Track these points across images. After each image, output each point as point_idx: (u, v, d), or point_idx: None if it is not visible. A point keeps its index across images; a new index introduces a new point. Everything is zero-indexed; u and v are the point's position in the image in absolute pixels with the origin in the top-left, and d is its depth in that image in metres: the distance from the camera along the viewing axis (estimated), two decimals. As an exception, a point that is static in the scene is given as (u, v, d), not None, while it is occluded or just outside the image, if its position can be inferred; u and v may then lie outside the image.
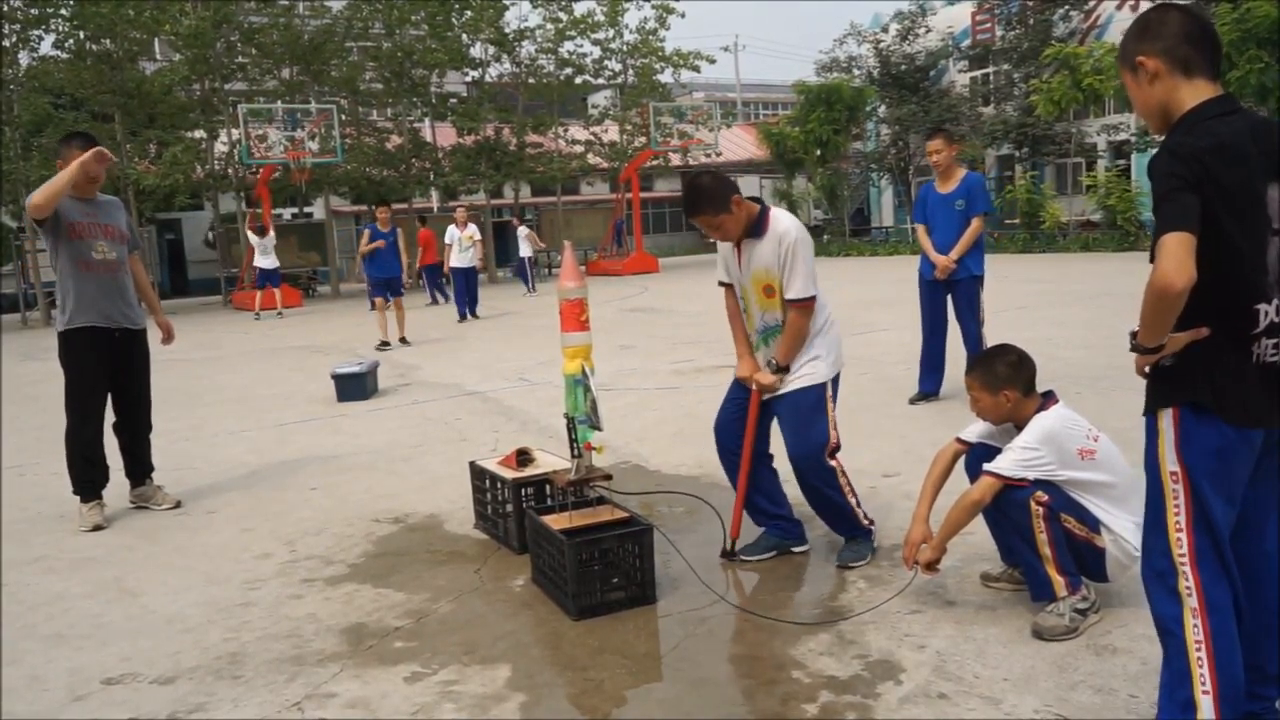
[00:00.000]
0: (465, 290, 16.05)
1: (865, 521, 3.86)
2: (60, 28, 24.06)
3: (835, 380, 3.83)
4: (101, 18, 22.90)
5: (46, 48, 24.95)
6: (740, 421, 3.90)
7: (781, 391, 3.79)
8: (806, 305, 3.70)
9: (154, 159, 25.54)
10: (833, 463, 3.77)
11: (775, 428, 3.91)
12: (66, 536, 4.90)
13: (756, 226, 3.73)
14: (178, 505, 5.36)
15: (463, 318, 15.90)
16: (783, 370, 3.77)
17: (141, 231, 25.39)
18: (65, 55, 24.92)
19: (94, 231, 5.06)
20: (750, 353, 3.93)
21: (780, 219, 3.73)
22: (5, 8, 23.14)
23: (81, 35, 24.11)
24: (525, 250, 22.53)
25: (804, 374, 3.77)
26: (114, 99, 24.29)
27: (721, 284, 4.02)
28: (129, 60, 25.06)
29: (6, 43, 23.59)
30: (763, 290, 3.78)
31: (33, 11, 23.39)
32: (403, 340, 12.39)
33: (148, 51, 27.15)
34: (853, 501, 3.83)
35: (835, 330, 3.89)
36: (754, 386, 3.82)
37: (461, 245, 15.96)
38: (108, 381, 5.18)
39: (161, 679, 3.15)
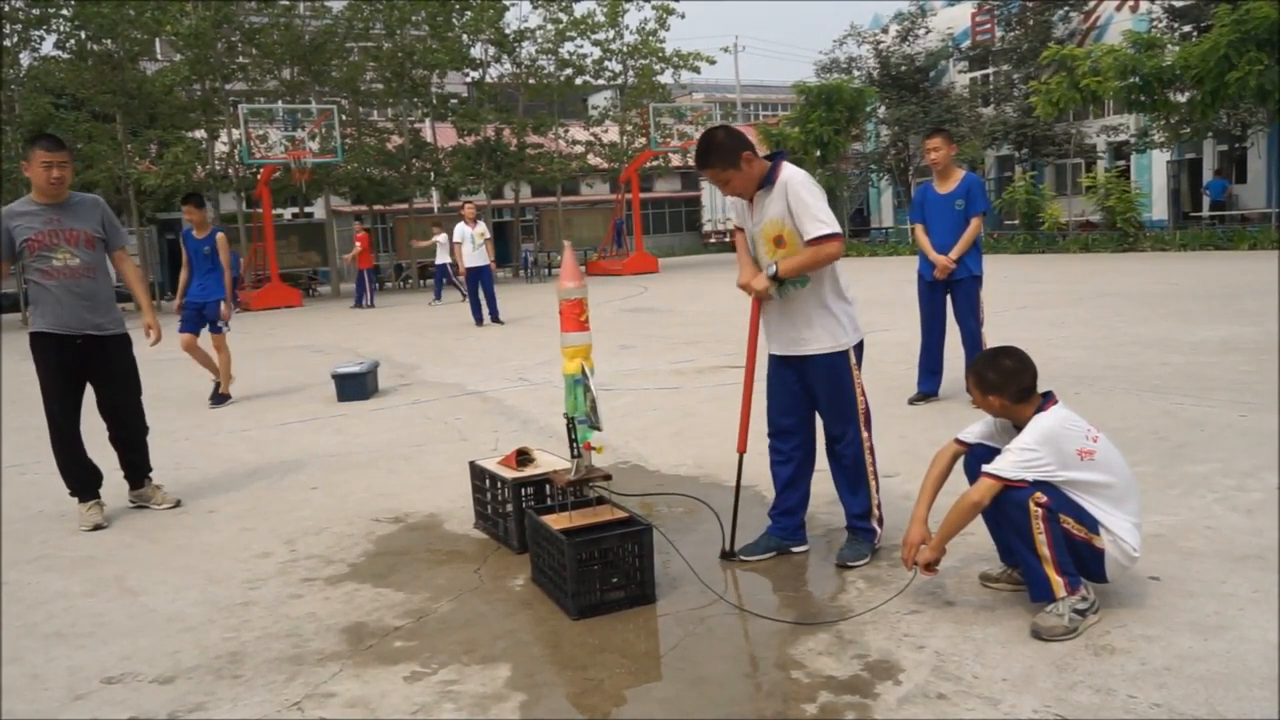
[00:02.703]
0: (481, 291, 14.99)
1: (876, 515, 3.87)
2: (62, 28, 24.11)
3: (859, 347, 3.87)
4: (103, 18, 22.93)
5: (48, 48, 25.07)
6: (784, 413, 3.93)
7: (806, 353, 3.80)
8: (827, 241, 3.61)
9: (155, 159, 25.57)
10: (865, 434, 3.83)
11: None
12: (67, 535, 4.90)
13: (768, 178, 3.72)
14: (177, 504, 5.36)
15: (480, 321, 14.90)
16: (777, 279, 3.71)
17: (142, 231, 25.49)
18: (66, 55, 24.98)
19: (55, 239, 4.94)
20: (752, 262, 3.88)
21: (787, 169, 3.72)
22: (7, 8, 23.16)
23: (83, 35, 24.16)
24: (443, 257, 21.15)
25: (827, 336, 3.78)
26: (115, 99, 24.33)
27: (736, 228, 4.02)
28: (130, 60, 25.10)
29: (8, 43, 23.63)
30: (773, 241, 3.76)
31: (34, 12, 23.43)
32: (222, 396, 8.88)
33: (149, 52, 27.18)
34: (874, 486, 3.87)
35: (847, 298, 3.87)
36: (750, 293, 3.82)
37: (474, 243, 14.76)
38: (76, 386, 5.11)
39: (161, 678, 3.15)
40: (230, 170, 26.35)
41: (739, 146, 3.67)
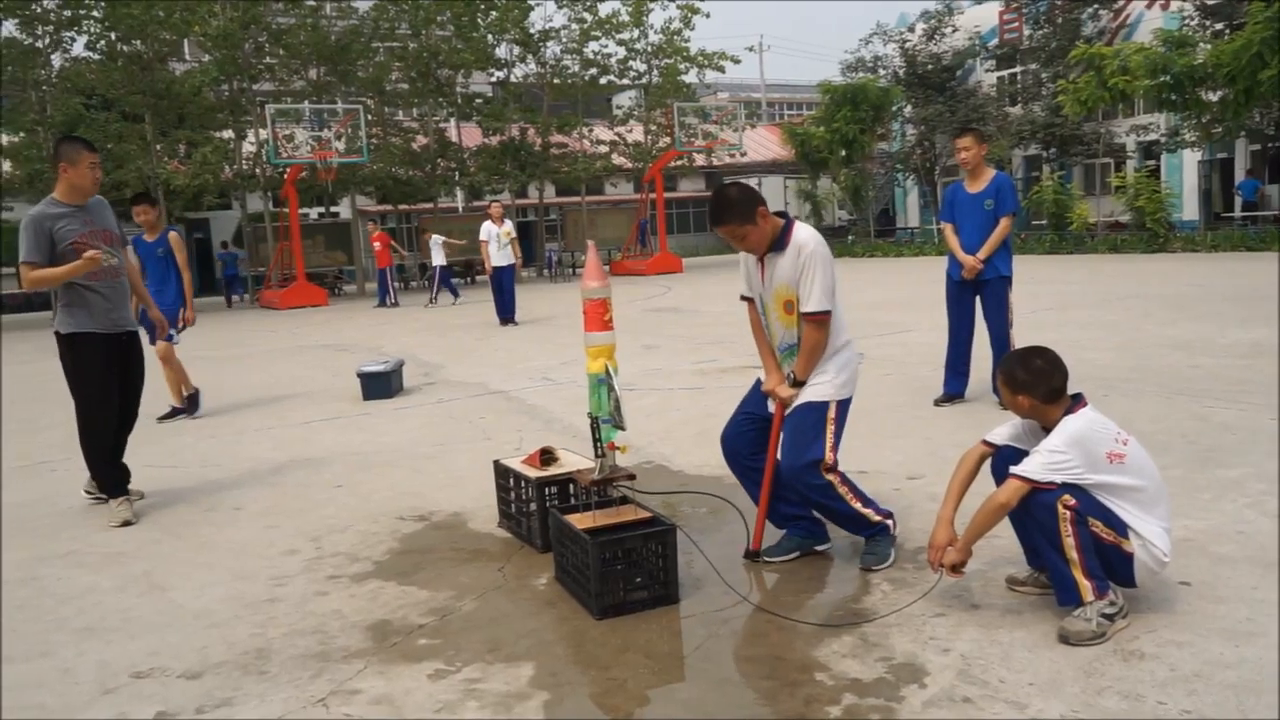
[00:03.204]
0: (505, 291, 14.87)
1: (878, 518, 3.81)
2: (92, 29, 24.42)
3: (844, 404, 3.78)
4: (133, 19, 23.20)
5: (79, 49, 25.37)
6: (748, 434, 3.91)
7: (794, 403, 3.79)
8: (821, 319, 3.67)
9: (183, 159, 25.83)
10: (829, 477, 3.71)
11: None
12: (96, 531, 4.96)
13: (780, 240, 3.72)
14: (141, 496, 5.47)
15: (505, 320, 14.89)
16: (800, 385, 3.77)
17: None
18: (97, 56, 25.30)
19: (95, 240, 5.02)
20: (777, 365, 3.91)
21: (801, 232, 3.72)
22: (39, 9, 23.48)
23: (113, 36, 24.46)
24: (439, 259, 21.44)
25: (810, 389, 3.75)
26: (144, 99, 24.60)
27: (744, 298, 4.00)
28: (159, 61, 25.39)
29: (40, 44, 23.95)
30: (783, 306, 3.78)
31: (66, 13, 23.73)
32: (174, 410, 8.19)
33: (177, 52, 27.51)
34: (858, 506, 3.77)
35: (852, 354, 3.85)
36: (776, 399, 3.82)
37: (500, 242, 14.59)
38: (117, 385, 5.22)
39: (189, 673, 3.18)
40: (257, 170, 26.58)
41: (754, 203, 3.67)
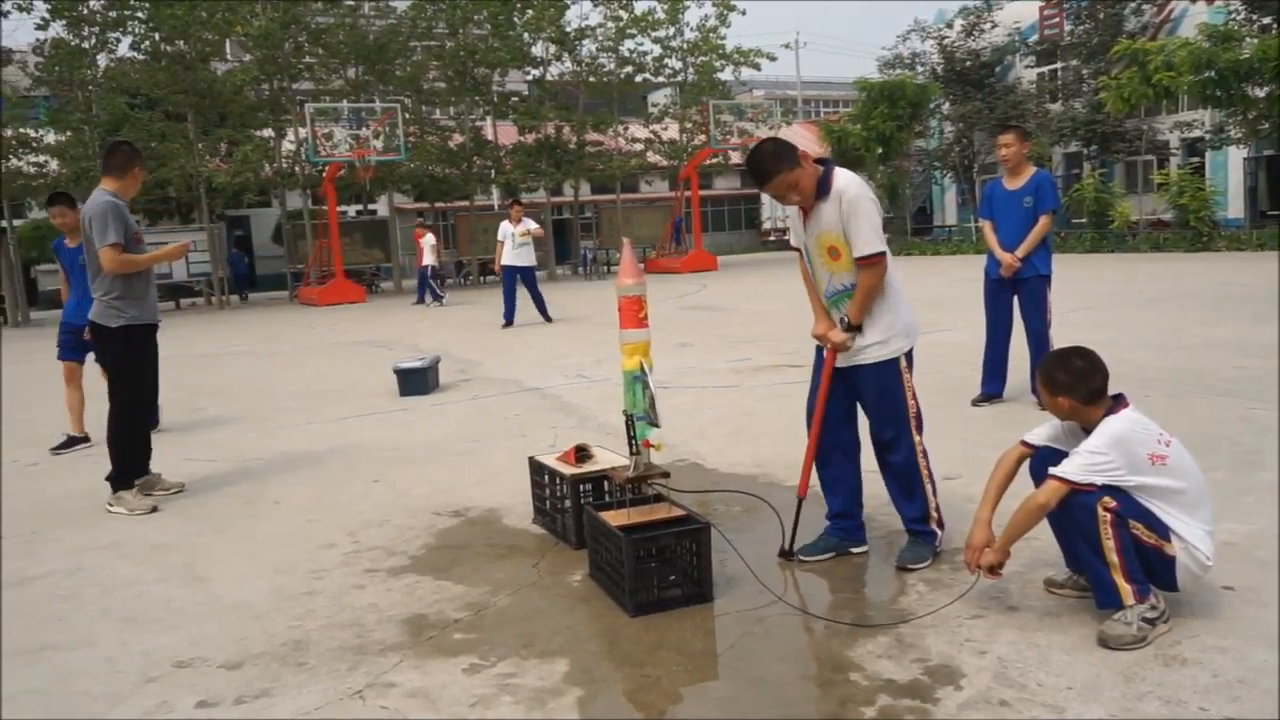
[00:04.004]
0: (515, 292, 14.42)
1: (935, 518, 3.81)
2: (137, 30, 24.81)
3: (910, 354, 3.82)
4: (176, 19, 23.56)
5: (124, 49, 25.79)
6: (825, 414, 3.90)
7: (858, 362, 3.77)
8: (875, 261, 3.63)
9: (225, 157, 26.18)
10: (917, 437, 3.78)
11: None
12: (138, 523, 5.05)
13: (822, 187, 3.69)
14: (181, 489, 5.64)
15: (508, 323, 14.36)
16: (854, 329, 3.72)
17: (212, 228, 26.18)
18: (141, 56, 25.70)
19: (141, 236, 5.42)
20: (825, 312, 3.89)
21: (841, 176, 3.69)
22: (86, 11, 23.90)
23: (157, 37, 24.86)
24: (429, 259, 21.54)
25: (876, 346, 3.74)
26: (187, 99, 24.97)
27: (793, 248, 4.00)
28: (201, 61, 25.75)
29: (87, 45, 24.38)
30: (827, 252, 3.74)
31: (111, 14, 24.14)
32: (75, 440, 7.17)
33: (219, 52, 27.86)
34: (929, 489, 3.80)
35: (900, 299, 3.82)
36: (826, 345, 3.82)
37: (515, 242, 14.24)
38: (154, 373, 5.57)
39: (229, 664, 3.23)
40: (296, 168, 26.87)
41: (792, 148, 3.66)
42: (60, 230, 7.16)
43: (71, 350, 7.12)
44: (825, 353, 3.86)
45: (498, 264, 14.61)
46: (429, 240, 21.81)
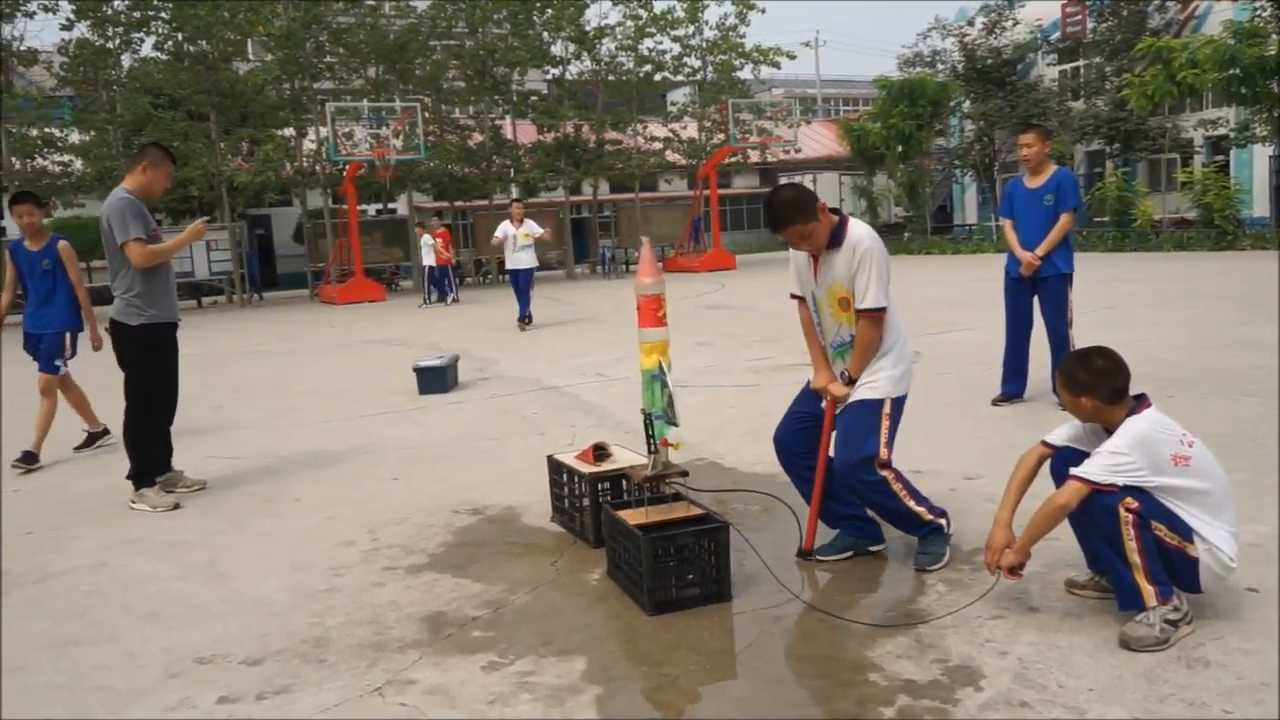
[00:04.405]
0: (521, 294, 14.22)
1: (931, 517, 3.76)
2: (160, 30, 25.01)
3: (899, 401, 3.75)
4: (199, 20, 23.73)
5: (147, 49, 26.01)
6: (802, 433, 3.90)
7: (847, 400, 3.78)
8: (876, 316, 3.67)
9: (246, 157, 26.35)
10: (883, 473, 3.69)
11: None
12: (160, 520, 5.10)
13: (835, 237, 3.70)
14: (203, 486, 5.68)
15: (527, 321, 14.24)
16: (853, 382, 3.76)
17: (233, 227, 26.38)
18: (165, 57, 25.90)
19: (159, 235, 5.39)
20: (827, 364, 3.90)
21: (856, 228, 3.71)
22: (110, 11, 24.12)
23: (180, 37, 25.03)
24: (429, 259, 21.47)
25: (864, 387, 3.74)
26: (209, 98, 25.15)
27: (794, 296, 3.98)
28: (224, 61, 25.92)
29: (111, 45, 24.60)
30: (838, 303, 3.76)
31: (135, 15, 24.35)
32: (95, 435, 7.11)
33: (241, 52, 28.07)
34: (911, 504, 3.73)
35: (906, 351, 3.83)
36: (827, 398, 3.81)
37: (517, 244, 13.98)
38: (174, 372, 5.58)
39: (250, 660, 3.25)
40: (317, 167, 27.00)
41: (812, 199, 3.68)
42: (23, 231, 6.63)
43: (48, 362, 6.67)
44: (825, 404, 3.85)
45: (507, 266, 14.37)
46: (428, 240, 21.90)
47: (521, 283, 14.15)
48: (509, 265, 14.31)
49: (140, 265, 5.16)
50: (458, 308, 20.22)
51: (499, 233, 14.26)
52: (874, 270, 3.63)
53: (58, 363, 6.66)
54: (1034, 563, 3.34)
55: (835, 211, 3.77)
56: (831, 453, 3.81)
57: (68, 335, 6.68)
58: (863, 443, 3.67)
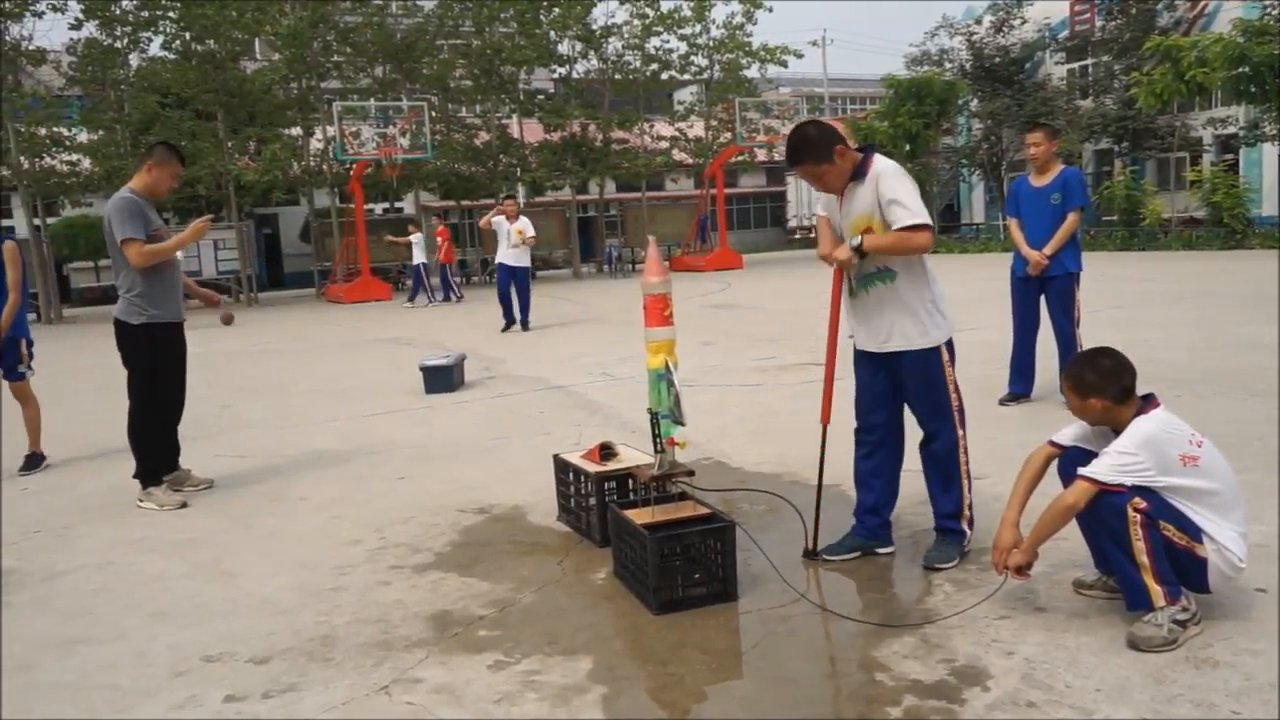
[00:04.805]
0: (511, 291, 13.67)
1: (967, 516, 3.78)
2: (168, 30, 25.08)
3: (950, 345, 3.78)
4: (207, 19, 23.79)
5: (155, 49, 26.09)
6: (872, 409, 3.90)
7: (897, 349, 3.73)
8: (915, 231, 3.52)
9: (253, 156, 26.41)
10: (961, 432, 3.76)
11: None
12: (167, 518, 5.11)
13: (859, 170, 3.66)
14: (211, 485, 5.68)
15: (509, 325, 13.68)
16: (859, 251, 3.63)
17: (240, 226, 26.44)
18: (172, 56, 25.98)
19: (164, 234, 5.40)
20: (833, 236, 3.85)
21: (879, 161, 3.66)
22: (118, 11, 24.20)
23: (187, 36, 25.11)
24: (419, 257, 21.60)
25: (917, 336, 3.71)
26: (217, 98, 25.21)
27: (819, 216, 3.98)
28: (231, 60, 25.99)
29: (119, 44, 24.68)
30: (863, 234, 3.69)
31: (143, 14, 24.42)
32: (37, 456, 6.49)
33: (248, 51, 28.09)
34: (965, 485, 3.78)
35: (941, 297, 3.81)
36: (832, 264, 3.79)
37: (511, 240, 13.40)
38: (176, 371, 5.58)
39: (257, 658, 3.26)
40: (324, 166, 27.05)
41: (831, 140, 3.60)
42: None
43: (12, 370, 6.40)
44: (833, 271, 3.85)
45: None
46: (419, 239, 21.90)
47: (521, 281, 13.64)
48: (502, 259, 13.61)
49: (138, 265, 5.17)
50: (463, 306, 20.24)
51: (492, 223, 13.74)
52: (900, 191, 3.55)
53: (21, 369, 6.42)
54: (1041, 563, 3.33)
55: (864, 149, 3.72)
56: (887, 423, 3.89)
57: (23, 341, 6.41)
58: (942, 399, 3.75)
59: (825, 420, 3.96)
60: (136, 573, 4.24)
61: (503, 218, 13.66)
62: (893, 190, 3.56)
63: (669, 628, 3.32)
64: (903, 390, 3.84)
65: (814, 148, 3.61)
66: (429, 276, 22.00)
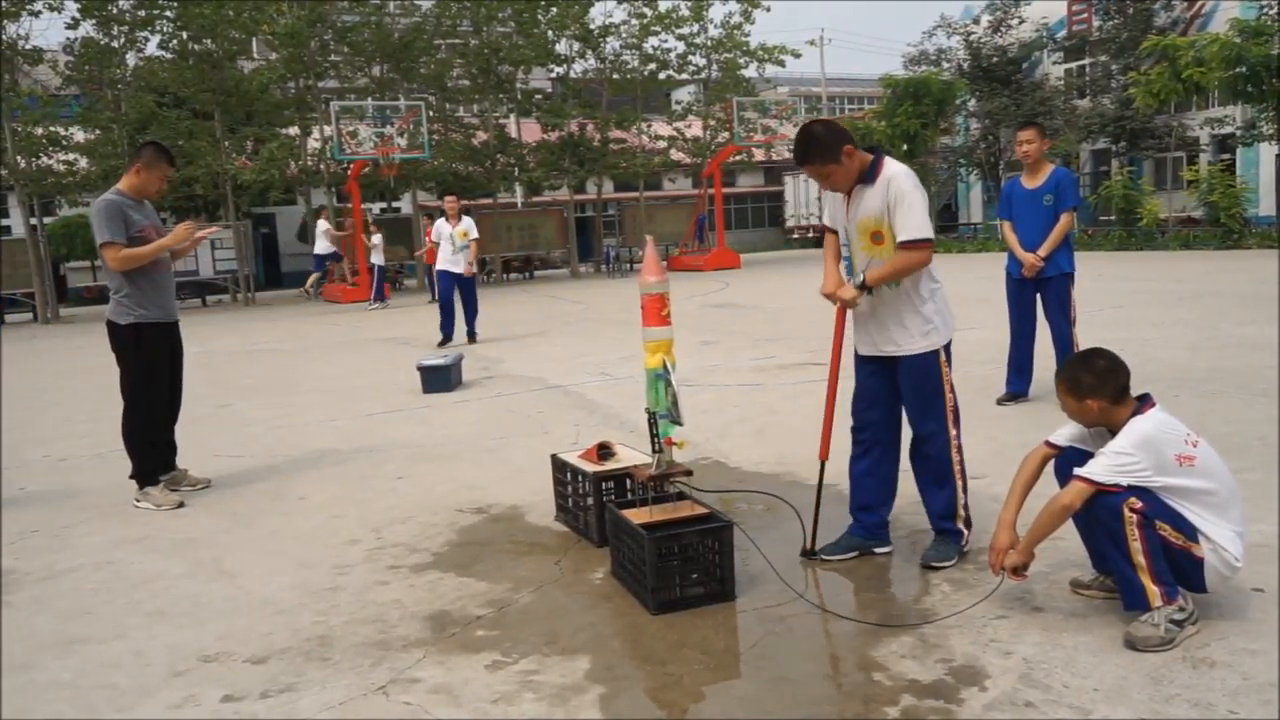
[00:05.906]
0: (454, 301, 12.39)
1: (963, 516, 3.80)
2: (165, 29, 25.03)
3: (948, 346, 3.80)
4: (204, 19, 23.75)
5: (152, 48, 26.03)
6: (869, 408, 3.91)
7: (897, 354, 3.76)
8: (919, 247, 3.60)
9: (251, 155, 26.37)
10: (954, 431, 3.78)
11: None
12: (167, 518, 5.11)
13: (869, 173, 3.67)
14: (208, 485, 5.67)
15: (446, 339, 12.35)
16: (865, 289, 3.69)
17: (238, 225, 26.41)
18: (169, 55, 25.92)
19: (152, 234, 5.36)
20: (836, 271, 3.88)
21: (891, 165, 3.68)
22: (115, 10, 24.16)
23: (185, 36, 25.05)
24: (377, 258, 21.37)
25: (917, 340, 3.73)
26: (214, 97, 25.17)
27: (826, 229, 3.98)
28: (228, 59, 25.95)
29: (116, 44, 24.64)
30: (870, 237, 3.71)
31: (140, 14, 24.38)
32: None
33: (246, 51, 28.04)
34: (959, 485, 3.79)
35: (943, 295, 3.84)
36: (836, 303, 3.81)
37: (455, 244, 12.07)
38: (168, 372, 5.55)
39: (255, 658, 3.26)
40: (322, 166, 27.01)
41: (839, 141, 3.62)
42: None
43: None
44: (836, 311, 3.86)
45: (430, 258, 12.51)
46: (377, 239, 21.70)
47: (464, 289, 12.36)
48: (443, 266, 12.22)
49: (115, 269, 5.16)
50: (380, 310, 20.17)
51: (435, 234, 12.44)
52: (913, 203, 3.59)
53: None
54: (1039, 563, 3.34)
55: (872, 149, 3.73)
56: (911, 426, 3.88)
57: None
58: (936, 400, 3.77)
59: (824, 457, 3.96)
60: (135, 572, 4.24)
61: (443, 221, 12.36)
62: (907, 198, 3.59)
63: (667, 627, 3.33)
64: (900, 392, 3.85)
65: (822, 147, 3.62)
66: (393, 277, 21.82)
